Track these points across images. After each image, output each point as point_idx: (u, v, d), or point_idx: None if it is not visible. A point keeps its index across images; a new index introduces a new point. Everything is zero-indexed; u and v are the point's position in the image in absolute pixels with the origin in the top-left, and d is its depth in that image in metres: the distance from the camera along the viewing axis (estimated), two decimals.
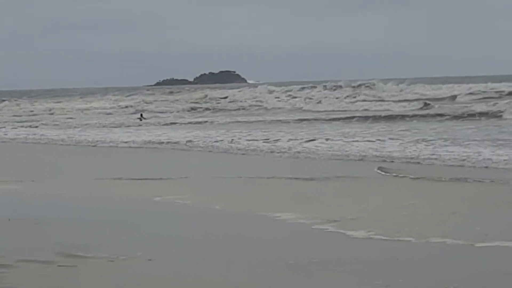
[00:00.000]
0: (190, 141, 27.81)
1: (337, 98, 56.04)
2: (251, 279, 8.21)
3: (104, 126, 40.96)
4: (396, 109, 44.11)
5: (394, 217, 11.75)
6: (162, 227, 11.63)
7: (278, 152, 22.97)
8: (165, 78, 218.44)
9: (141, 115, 47.69)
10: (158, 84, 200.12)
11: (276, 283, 8.07)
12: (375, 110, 43.92)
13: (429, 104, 45.44)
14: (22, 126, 42.77)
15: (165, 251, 9.72)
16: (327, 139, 25.16)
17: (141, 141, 29.31)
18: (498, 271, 8.34)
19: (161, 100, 66.71)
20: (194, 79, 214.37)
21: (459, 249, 9.49)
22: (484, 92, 52.43)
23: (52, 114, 58.09)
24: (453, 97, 50.79)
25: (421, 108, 43.84)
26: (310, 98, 57.61)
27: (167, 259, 9.17)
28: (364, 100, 52.34)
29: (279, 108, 53.46)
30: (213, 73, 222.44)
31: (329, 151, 22.38)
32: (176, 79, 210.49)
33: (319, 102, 54.78)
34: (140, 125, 40.93)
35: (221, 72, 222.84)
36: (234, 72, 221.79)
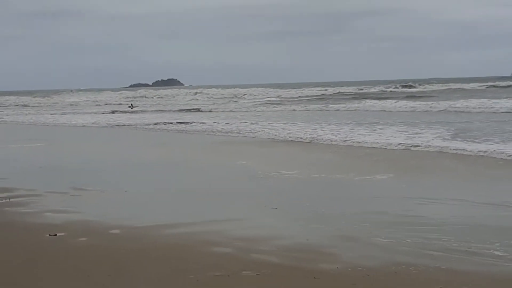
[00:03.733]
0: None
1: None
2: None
3: None
4: None
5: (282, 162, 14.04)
6: None
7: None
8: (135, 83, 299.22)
9: (132, 104, 54.01)
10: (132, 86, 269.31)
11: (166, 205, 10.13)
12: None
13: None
14: None
15: None
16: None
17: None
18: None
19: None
20: (153, 83, 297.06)
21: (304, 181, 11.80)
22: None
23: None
24: None
25: None
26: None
27: None
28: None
29: None
30: (163, 80, 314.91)
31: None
32: (141, 84, 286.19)
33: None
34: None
35: (168, 79, 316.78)
36: (176, 79, 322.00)
